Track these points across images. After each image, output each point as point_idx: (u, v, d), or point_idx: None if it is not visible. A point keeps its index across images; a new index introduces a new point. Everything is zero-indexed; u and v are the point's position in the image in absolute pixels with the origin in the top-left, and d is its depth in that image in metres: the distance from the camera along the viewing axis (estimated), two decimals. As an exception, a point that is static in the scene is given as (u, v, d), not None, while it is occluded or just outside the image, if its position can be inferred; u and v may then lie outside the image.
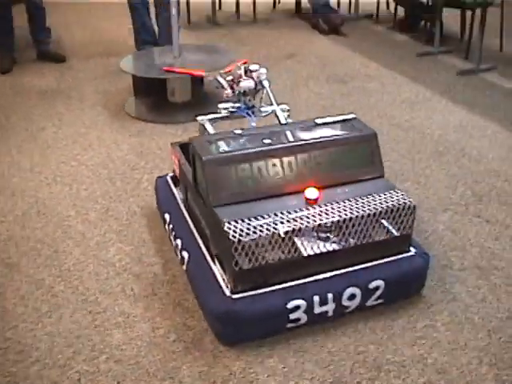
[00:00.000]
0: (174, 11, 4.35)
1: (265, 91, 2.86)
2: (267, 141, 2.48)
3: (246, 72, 2.84)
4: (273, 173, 2.41)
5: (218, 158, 2.38)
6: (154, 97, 4.63)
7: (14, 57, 5.65)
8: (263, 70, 2.86)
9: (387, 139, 4.00)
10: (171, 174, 3.16)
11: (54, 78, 5.32)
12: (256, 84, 2.84)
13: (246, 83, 2.82)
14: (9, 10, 5.38)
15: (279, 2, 7.60)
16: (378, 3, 6.96)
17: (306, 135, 2.54)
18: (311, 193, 2.37)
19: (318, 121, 2.64)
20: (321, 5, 6.61)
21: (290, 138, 2.51)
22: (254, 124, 2.79)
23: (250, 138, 2.51)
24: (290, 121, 2.85)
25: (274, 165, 2.42)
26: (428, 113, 4.47)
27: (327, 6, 6.66)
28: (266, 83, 2.85)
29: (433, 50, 5.81)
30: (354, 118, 2.68)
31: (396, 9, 6.70)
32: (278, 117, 2.84)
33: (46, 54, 5.73)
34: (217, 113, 2.91)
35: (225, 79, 2.89)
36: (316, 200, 2.36)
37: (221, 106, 2.90)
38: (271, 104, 2.89)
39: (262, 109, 2.89)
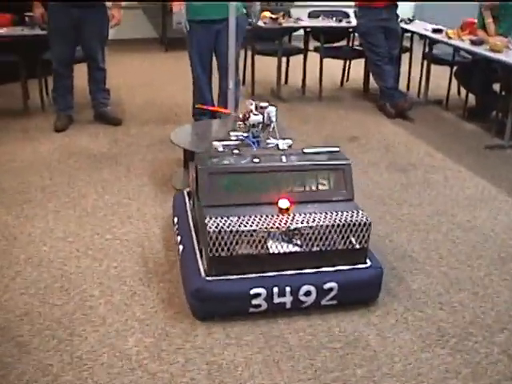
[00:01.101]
0: (231, 84, 4.17)
1: (272, 126, 3.40)
2: (256, 160, 3.06)
3: (256, 108, 3.42)
4: (255, 185, 3.00)
5: (211, 167, 3.00)
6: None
7: (72, 116, 5.57)
8: (272, 109, 3.42)
9: (445, 240, 3.71)
10: (188, 189, 3.65)
11: (107, 142, 5.22)
12: (264, 119, 3.40)
13: (255, 117, 3.41)
14: (70, 69, 5.34)
15: (347, 80, 7.40)
16: (449, 89, 6.66)
17: (290, 159, 3.10)
18: (283, 203, 2.91)
19: (306, 150, 3.22)
20: (388, 88, 6.35)
21: (276, 161, 3.09)
22: (255, 149, 3.29)
23: (243, 157, 3.11)
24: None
25: (257, 179, 3.01)
26: (492, 213, 4.14)
27: (395, 90, 6.40)
28: (273, 119, 3.41)
29: (503, 143, 5.49)
30: (338, 151, 3.25)
31: (467, 96, 6.43)
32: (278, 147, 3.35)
33: (102, 116, 5.66)
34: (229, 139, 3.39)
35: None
36: (287, 209, 2.90)
37: (232, 133, 3.44)
38: (278, 138, 3.41)
39: (269, 141, 3.42)
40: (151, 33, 9.57)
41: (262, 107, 3.42)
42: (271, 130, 3.43)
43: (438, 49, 6.76)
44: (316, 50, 6.95)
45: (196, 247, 3.09)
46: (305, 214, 2.91)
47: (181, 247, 3.18)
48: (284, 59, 6.90)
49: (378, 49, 6.40)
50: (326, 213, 2.93)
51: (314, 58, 6.82)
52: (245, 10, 4.88)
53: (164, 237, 3.63)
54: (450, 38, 6.16)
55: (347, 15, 7.05)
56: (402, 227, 3.86)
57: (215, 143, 3.37)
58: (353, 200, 3.10)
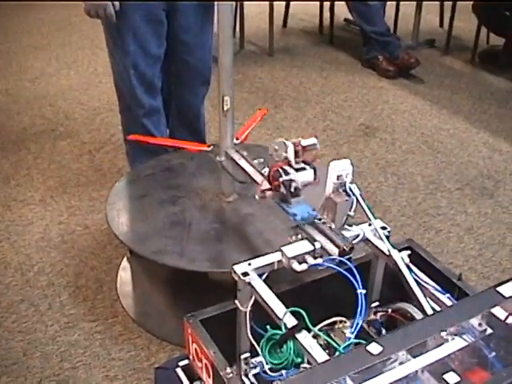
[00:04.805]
0: (227, 102, 1.89)
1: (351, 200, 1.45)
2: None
3: (297, 153, 1.49)
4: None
5: None
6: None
7: None
8: (347, 166, 1.45)
9: None
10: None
11: None
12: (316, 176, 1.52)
13: (302, 175, 1.50)
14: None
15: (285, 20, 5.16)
16: (451, 25, 4.56)
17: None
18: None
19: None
20: (380, 33, 4.20)
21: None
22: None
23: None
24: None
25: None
26: None
27: (390, 35, 4.41)
28: (355, 189, 1.46)
29: None
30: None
31: (478, 35, 4.50)
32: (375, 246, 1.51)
33: None
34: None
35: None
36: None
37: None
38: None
39: (346, 231, 1.49)
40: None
41: (303, 147, 1.50)
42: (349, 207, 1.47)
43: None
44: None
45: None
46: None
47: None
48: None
49: (359, -27, 4.18)
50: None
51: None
52: None
53: None
54: None
55: None
56: None
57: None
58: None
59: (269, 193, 1.61)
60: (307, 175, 1.55)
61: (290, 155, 1.52)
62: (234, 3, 1.92)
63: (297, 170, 1.52)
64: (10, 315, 2.25)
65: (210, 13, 2.38)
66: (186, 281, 2.14)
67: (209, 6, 2.35)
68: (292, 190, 1.54)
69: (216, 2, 1.89)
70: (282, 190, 1.55)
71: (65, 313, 2.26)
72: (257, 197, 1.64)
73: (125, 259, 2.39)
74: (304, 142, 1.53)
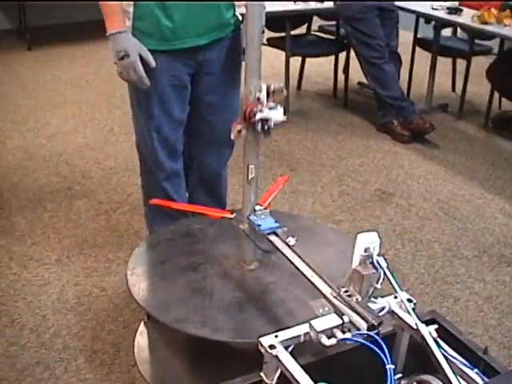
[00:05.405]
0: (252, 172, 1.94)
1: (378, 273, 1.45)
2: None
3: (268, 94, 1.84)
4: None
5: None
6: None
7: None
8: (375, 238, 1.46)
9: None
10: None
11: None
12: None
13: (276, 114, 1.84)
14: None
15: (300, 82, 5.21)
16: (464, 90, 4.61)
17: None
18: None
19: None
20: (395, 98, 4.25)
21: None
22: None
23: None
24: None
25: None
26: None
27: (404, 99, 4.46)
28: (382, 261, 1.47)
29: None
30: None
31: (491, 99, 4.57)
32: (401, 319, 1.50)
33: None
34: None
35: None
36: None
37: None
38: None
39: (372, 304, 1.48)
40: (2, 23, 6.74)
41: (275, 91, 1.85)
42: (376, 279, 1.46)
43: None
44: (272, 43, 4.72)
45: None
46: None
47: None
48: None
49: (374, 41, 4.30)
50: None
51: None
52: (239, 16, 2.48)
53: None
54: (483, 21, 4.06)
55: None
56: None
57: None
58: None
59: (244, 132, 1.85)
60: (278, 113, 1.81)
61: (263, 96, 1.79)
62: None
63: (269, 109, 1.80)
64: (25, 378, 2.22)
65: (236, 75, 2.40)
66: (205, 348, 2.12)
67: (235, 68, 2.37)
68: (266, 128, 1.82)
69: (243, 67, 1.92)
70: (258, 127, 1.81)
71: (81, 377, 2.23)
72: (232, 136, 1.88)
73: (142, 324, 2.37)
74: (273, 86, 1.81)
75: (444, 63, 4.97)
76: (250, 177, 1.94)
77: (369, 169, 3.86)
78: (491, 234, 3.19)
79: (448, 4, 4.50)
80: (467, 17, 4.30)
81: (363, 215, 3.32)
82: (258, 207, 1.99)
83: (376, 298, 1.52)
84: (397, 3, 4.48)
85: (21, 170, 3.73)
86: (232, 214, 2.10)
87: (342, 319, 1.41)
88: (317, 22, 5.27)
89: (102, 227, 3.15)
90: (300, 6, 4.57)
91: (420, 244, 3.08)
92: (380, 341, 1.35)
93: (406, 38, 4.84)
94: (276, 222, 1.94)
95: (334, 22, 4.87)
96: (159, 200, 2.36)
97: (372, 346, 1.35)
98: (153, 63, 2.17)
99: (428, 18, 4.60)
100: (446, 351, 1.45)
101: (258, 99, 1.82)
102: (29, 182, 3.58)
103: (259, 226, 1.92)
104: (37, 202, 3.38)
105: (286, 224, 1.96)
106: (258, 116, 1.80)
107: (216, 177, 2.65)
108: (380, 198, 3.50)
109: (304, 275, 1.67)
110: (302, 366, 1.38)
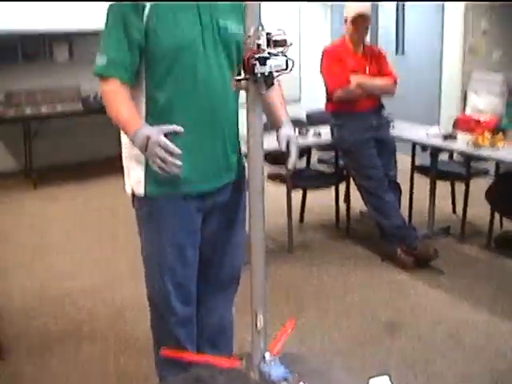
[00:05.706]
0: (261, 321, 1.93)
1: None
2: None
3: (269, 41, 1.68)
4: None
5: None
6: None
7: None
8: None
9: None
10: None
11: None
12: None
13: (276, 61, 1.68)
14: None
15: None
16: (465, 212, 4.67)
17: None
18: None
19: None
20: (398, 226, 4.29)
21: None
22: None
23: None
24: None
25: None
26: None
27: (406, 227, 4.51)
28: None
29: None
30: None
31: (492, 222, 4.62)
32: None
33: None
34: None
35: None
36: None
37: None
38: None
39: None
40: (10, 164, 6.99)
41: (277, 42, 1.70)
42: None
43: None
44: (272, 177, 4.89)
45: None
46: None
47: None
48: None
49: (372, 171, 4.38)
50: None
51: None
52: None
53: None
54: (477, 146, 4.18)
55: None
56: None
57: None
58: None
59: (244, 82, 1.68)
60: (279, 61, 1.66)
61: (263, 42, 1.63)
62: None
63: (270, 56, 1.64)
64: None
65: (240, 215, 2.45)
66: None
67: (239, 207, 2.43)
68: (266, 73, 1.64)
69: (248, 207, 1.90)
70: (258, 76, 1.63)
71: None
72: (233, 87, 1.73)
73: None
74: (276, 37, 1.66)
75: (443, 185, 5.04)
76: (258, 326, 1.94)
77: (375, 300, 3.85)
78: (504, 359, 3.14)
79: (443, 131, 4.62)
80: (462, 142, 4.41)
81: (373, 348, 3.29)
82: (267, 354, 1.98)
83: None
84: (393, 133, 4.61)
85: (28, 313, 3.72)
86: (241, 360, 2.09)
87: None
88: (316, 155, 5.40)
89: (110, 373, 3.11)
90: (299, 140, 4.69)
91: (433, 376, 3.04)
92: None
93: (404, 162, 4.94)
94: (286, 367, 1.93)
95: (332, 154, 4.99)
96: (170, 351, 2.34)
97: None
98: (178, 129, 2.13)
99: (424, 146, 4.70)
100: None
101: (258, 46, 1.65)
102: (36, 326, 3.58)
103: (270, 374, 1.91)
104: (44, 345, 3.36)
105: (297, 368, 1.95)
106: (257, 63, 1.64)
107: (221, 318, 2.63)
108: (389, 329, 3.48)
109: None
110: None
